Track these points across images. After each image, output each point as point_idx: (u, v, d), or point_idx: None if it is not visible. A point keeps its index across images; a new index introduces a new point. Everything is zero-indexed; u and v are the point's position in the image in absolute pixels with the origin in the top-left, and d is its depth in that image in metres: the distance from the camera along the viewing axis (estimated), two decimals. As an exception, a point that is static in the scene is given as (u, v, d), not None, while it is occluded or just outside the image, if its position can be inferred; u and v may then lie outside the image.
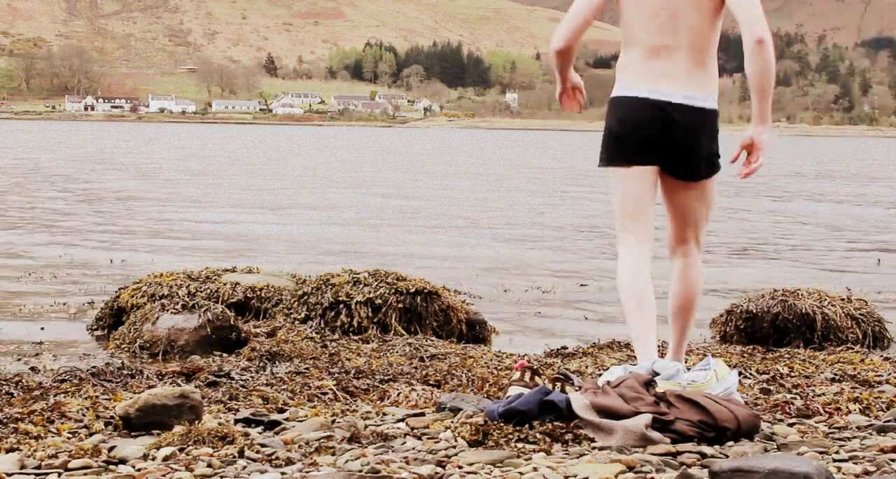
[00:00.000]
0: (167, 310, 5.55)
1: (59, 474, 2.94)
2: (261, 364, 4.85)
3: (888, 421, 3.56)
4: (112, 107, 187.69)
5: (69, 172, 25.68)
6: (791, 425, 3.54)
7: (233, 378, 4.44)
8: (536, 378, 3.79)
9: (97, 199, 17.31)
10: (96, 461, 3.05)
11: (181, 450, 3.15)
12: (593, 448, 3.12)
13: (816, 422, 3.60)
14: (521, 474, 2.84)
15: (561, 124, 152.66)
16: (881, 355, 5.30)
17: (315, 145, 56.75)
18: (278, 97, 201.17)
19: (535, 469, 2.86)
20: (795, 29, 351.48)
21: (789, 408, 3.77)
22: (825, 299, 5.90)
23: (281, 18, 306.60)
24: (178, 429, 3.34)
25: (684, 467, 2.91)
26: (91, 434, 3.47)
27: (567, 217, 15.33)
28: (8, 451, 3.22)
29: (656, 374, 3.51)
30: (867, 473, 2.85)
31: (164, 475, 2.87)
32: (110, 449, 3.19)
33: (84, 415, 3.65)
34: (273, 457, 3.07)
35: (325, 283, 6.02)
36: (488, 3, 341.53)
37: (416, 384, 4.25)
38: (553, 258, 10.39)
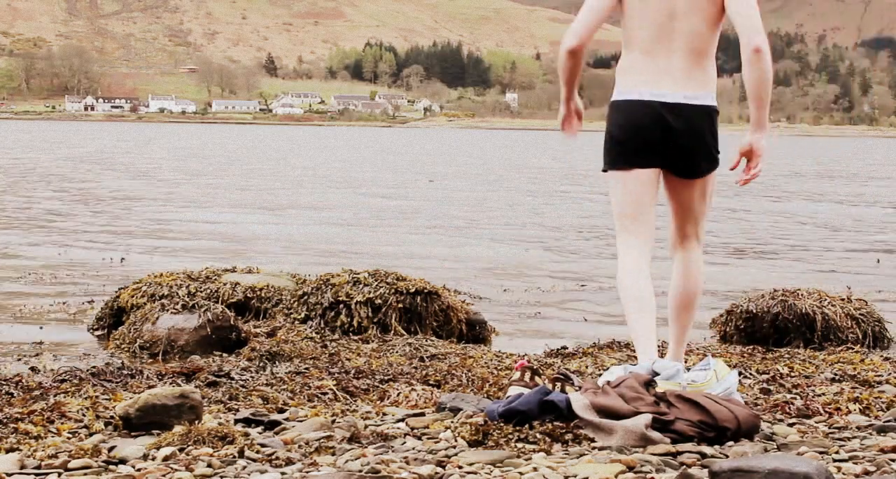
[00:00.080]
0: (167, 310, 5.55)
1: (59, 474, 2.94)
2: (261, 364, 4.85)
3: (888, 421, 3.56)
4: (112, 107, 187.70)
5: (67, 172, 25.68)
6: (791, 425, 3.54)
7: (233, 378, 4.44)
8: (536, 378, 3.79)
9: (96, 199, 17.31)
10: (96, 461, 3.05)
11: (181, 450, 3.15)
12: (593, 448, 3.12)
13: (816, 422, 3.60)
14: (521, 474, 2.84)
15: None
16: (881, 355, 5.30)
17: (315, 145, 56.76)
18: (278, 97, 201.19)
19: (535, 469, 2.86)
20: (795, 29, 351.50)
21: (789, 408, 3.77)
22: (825, 299, 5.90)
23: (281, 18, 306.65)
24: (178, 429, 3.34)
25: (684, 467, 2.91)
26: (91, 434, 3.47)
27: (567, 217, 15.33)
28: (8, 451, 3.22)
29: (656, 374, 3.51)
30: (867, 473, 2.85)
31: (164, 475, 2.87)
32: (110, 449, 3.19)
33: (84, 415, 3.65)
34: (273, 457, 3.07)
35: (325, 283, 6.02)
36: (488, 3, 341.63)
37: (416, 384, 4.25)
38: (553, 258, 10.39)
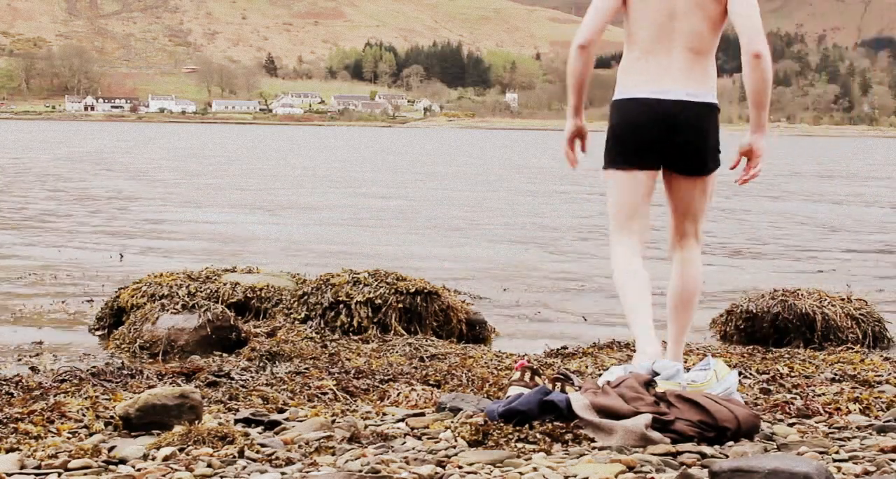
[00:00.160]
0: (167, 310, 5.55)
1: (59, 474, 2.94)
2: (261, 364, 4.85)
3: (888, 421, 3.56)
4: (112, 107, 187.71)
5: (66, 172, 25.68)
6: (791, 425, 3.54)
7: (233, 378, 4.44)
8: (536, 378, 3.79)
9: (94, 199, 17.31)
10: (96, 461, 3.05)
11: (181, 450, 3.15)
12: (593, 448, 3.12)
13: (816, 422, 3.60)
14: (521, 474, 2.84)
15: (561, 124, 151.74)
16: (881, 355, 5.30)
17: (315, 145, 56.76)
18: (278, 97, 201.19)
19: (535, 469, 2.86)
20: (795, 29, 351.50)
21: (789, 408, 3.77)
22: (825, 299, 5.90)
23: (281, 18, 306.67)
24: (178, 429, 3.34)
25: (684, 467, 2.91)
26: (91, 434, 3.47)
27: (566, 217, 15.34)
28: (8, 451, 3.22)
29: (656, 374, 3.51)
30: (867, 473, 2.85)
31: (164, 475, 2.87)
32: (110, 449, 3.19)
33: (84, 415, 3.66)
34: (273, 457, 3.07)
35: (325, 283, 6.02)
36: (488, 3, 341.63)
37: (416, 384, 4.25)
38: (553, 259, 10.40)
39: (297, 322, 5.83)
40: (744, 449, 3.10)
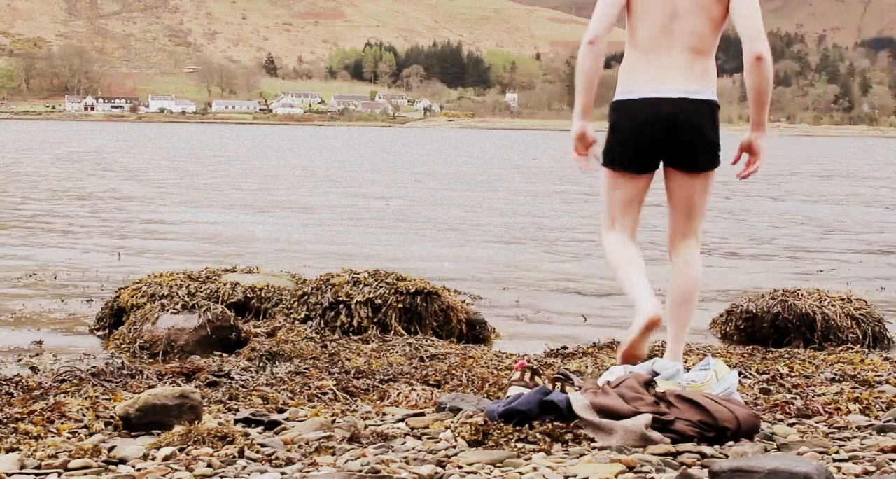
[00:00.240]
0: (167, 310, 5.55)
1: (59, 474, 2.94)
2: (261, 364, 4.85)
3: (888, 421, 3.56)
4: (112, 107, 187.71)
5: (64, 172, 25.68)
6: (791, 425, 3.54)
7: (233, 378, 4.44)
8: (536, 378, 3.79)
9: (94, 199, 17.31)
10: (96, 461, 3.05)
11: (181, 450, 3.15)
12: (593, 448, 3.12)
13: (816, 422, 3.61)
14: (521, 474, 2.84)
15: (561, 124, 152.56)
16: (881, 355, 5.30)
17: (315, 145, 56.77)
18: (278, 97, 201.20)
19: (535, 469, 2.86)
20: (795, 29, 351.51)
21: (789, 408, 3.77)
22: (825, 299, 5.91)
23: (281, 18, 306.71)
24: (178, 429, 3.34)
25: (684, 467, 2.91)
26: (91, 434, 3.47)
27: (566, 218, 15.34)
28: (8, 451, 3.22)
29: (656, 374, 3.52)
30: (867, 473, 2.85)
31: (164, 475, 2.87)
32: (110, 449, 3.19)
33: (84, 415, 3.66)
34: (273, 457, 3.07)
35: (325, 283, 6.02)
36: (488, 3, 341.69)
37: (416, 384, 4.25)
38: (552, 259, 10.40)
39: (297, 322, 5.83)
40: (744, 449, 3.10)
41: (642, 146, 3.71)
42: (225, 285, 6.27)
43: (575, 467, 2.87)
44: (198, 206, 16.18)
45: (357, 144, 60.64)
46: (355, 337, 5.63)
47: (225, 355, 5.21)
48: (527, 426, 3.27)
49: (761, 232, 13.58)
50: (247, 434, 3.35)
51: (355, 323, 5.76)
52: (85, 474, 2.95)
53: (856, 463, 2.96)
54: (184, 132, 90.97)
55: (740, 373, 4.41)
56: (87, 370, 4.45)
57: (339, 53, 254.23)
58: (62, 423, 3.57)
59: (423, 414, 3.71)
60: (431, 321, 5.89)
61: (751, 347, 5.49)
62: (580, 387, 3.54)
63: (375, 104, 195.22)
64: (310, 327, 5.72)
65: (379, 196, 18.82)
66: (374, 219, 14.44)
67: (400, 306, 5.85)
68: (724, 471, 2.60)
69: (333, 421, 3.61)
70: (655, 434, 3.14)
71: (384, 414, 3.80)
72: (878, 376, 4.52)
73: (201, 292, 6.05)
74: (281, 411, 3.89)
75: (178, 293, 5.91)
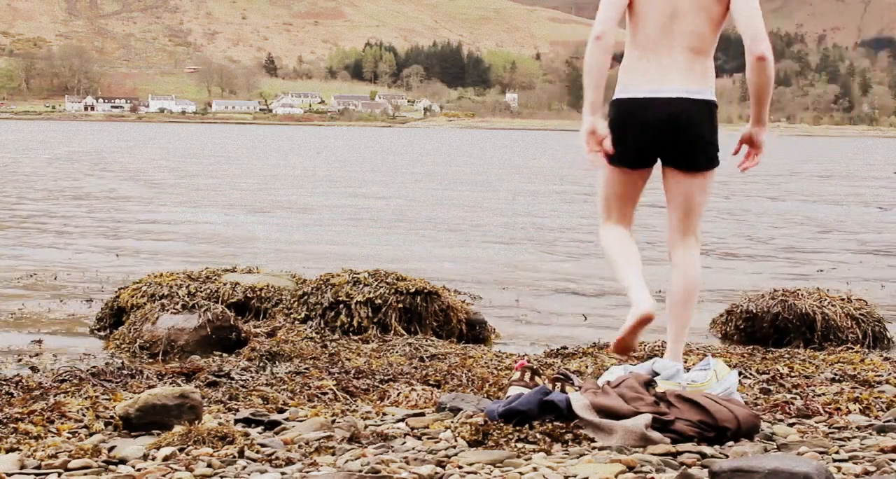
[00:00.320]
0: (167, 310, 5.55)
1: (59, 474, 2.94)
2: (261, 364, 4.85)
3: (888, 421, 3.56)
4: (112, 107, 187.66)
5: (65, 172, 25.67)
6: (791, 425, 3.54)
7: (233, 378, 4.44)
8: (536, 378, 3.79)
9: (93, 199, 17.31)
10: (96, 461, 3.05)
11: (181, 450, 3.15)
12: (593, 448, 3.12)
13: (816, 422, 3.61)
14: (521, 474, 2.84)
15: (561, 124, 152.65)
16: (881, 355, 5.30)
17: (315, 145, 56.76)
18: (278, 97, 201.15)
19: (535, 469, 2.86)
20: (795, 29, 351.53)
21: (789, 408, 3.77)
22: (825, 299, 5.91)
23: (281, 18, 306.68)
24: (178, 429, 3.34)
25: (684, 467, 2.91)
26: (91, 434, 3.47)
27: (566, 217, 15.34)
28: (8, 451, 3.22)
29: (656, 374, 3.52)
30: (867, 473, 2.85)
31: (164, 475, 2.87)
32: (110, 449, 3.19)
33: (84, 415, 3.66)
34: (273, 457, 3.07)
35: (325, 283, 6.02)
36: (488, 3, 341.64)
37: (416, 384, 4.25)
38: (552, 258, 10.40)
39: (297, 322, 5.83)
40: (744, 449, 3.10)
41: (641, 145, 3.72)
42: (225, 285, 6.27)
43: (575, 467, 2.87)
44: (197, 206, 16.18)
45: (357, 144, 60.63)
46: (355, 337, 5.63)
47: (225, 355, 5.21)
48: (527, 426, 3.27)
49: (761, 232, 13.58)
50: (247, 434, 3.35)
51: (355, 323, 5.76)
52: (85, 474, 2.95)
53: (856, 463, 2.96)
54: (184, 132, 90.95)
55: (740, 373, 4.41)
56: (87, 370, 4.45)
57: (339, 53, 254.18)
58: (62, 423, 3.57)
59: (423, 414, 3.71)
60: (431, 321, 5.89)
61: (751, 347, 5.49)
62: (580, 387, 3.54)
63: (375, 104, 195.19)
64: (310, 327, 5.72)
65: (379, 196, 18.82)
66: (373, 219, 14.44)
67: (400, 306, 5.85)
68: (724, 471, 2.60)
69: (333, 421, 3.61)
70: (655, 434, 3.14)
71: (384, 414, 3.80)
72: (878, 376, 4.52)
73: (201, 292, 6.06)
74: (281, 411, 3.89)
75: (178, 293, 5.91)
